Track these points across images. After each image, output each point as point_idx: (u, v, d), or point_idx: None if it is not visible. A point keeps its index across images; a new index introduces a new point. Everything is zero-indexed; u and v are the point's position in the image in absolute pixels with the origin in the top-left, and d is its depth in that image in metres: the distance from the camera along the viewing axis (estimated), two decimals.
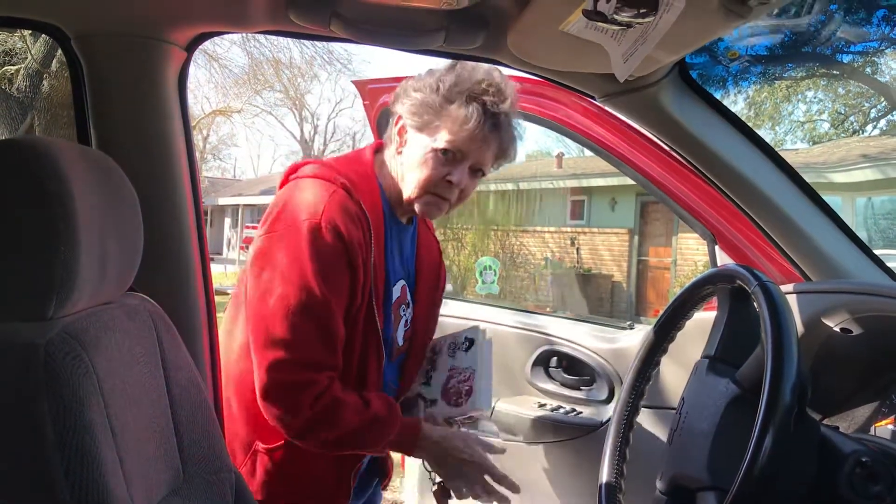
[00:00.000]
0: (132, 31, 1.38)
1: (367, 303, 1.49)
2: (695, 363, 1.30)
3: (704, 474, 1.16)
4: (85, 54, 1.40)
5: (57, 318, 0.97)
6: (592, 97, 1.56)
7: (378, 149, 1.64)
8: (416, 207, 1.55)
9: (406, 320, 1.67)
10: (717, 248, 1.92)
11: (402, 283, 1.64)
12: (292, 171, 1.58)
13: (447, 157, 1.50)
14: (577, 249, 13.12)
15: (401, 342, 1.66)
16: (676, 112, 1.51)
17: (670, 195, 1.96)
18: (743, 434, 1.08)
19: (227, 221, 28.29)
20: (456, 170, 1.51)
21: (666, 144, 1.64)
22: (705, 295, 1.36)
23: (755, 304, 1.17)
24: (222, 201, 27.93)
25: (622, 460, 1.43)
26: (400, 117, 1.56)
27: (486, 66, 1.53)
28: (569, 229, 13.57)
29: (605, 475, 1.42)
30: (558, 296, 11.82)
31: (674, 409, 1.48)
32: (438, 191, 1.52)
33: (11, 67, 8.83)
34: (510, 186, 12.82)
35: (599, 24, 1.12)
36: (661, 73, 1.43)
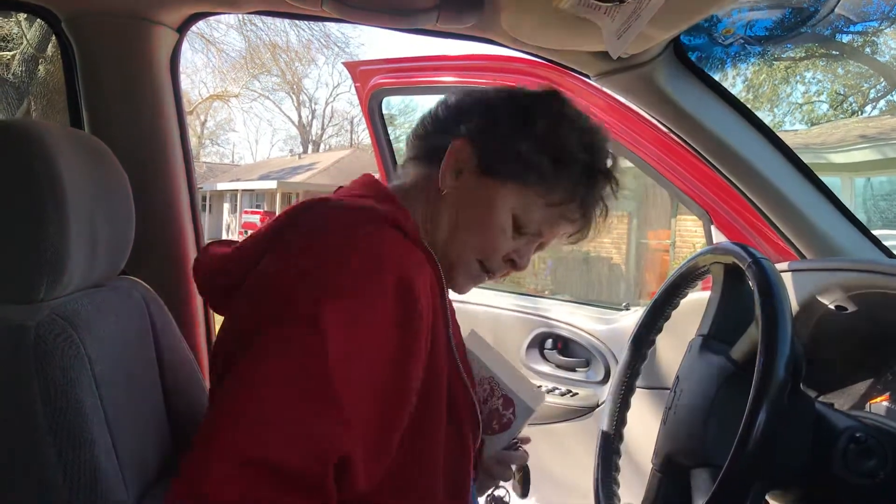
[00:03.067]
0: (123, 11, 1.38)
1: (451, 373, 1.08)
2: (689, 342, 1.30)
3: (699, 451, 1.16)
4: (76, 36, 1.39)
5: (47, 301, 0.97)
6: (587, 76, 1.55)
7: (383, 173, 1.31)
8: (455, 276, 1.14)
9: None
10: (712, 226, 1.92)
11: None
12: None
13: (525, 231, 1.12)
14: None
15: None
16: (671, 91, 1.50)
17: (665, 174, 1.96)
18: (737, 411, 1.07)
19: (226, 206, 28.26)
20: (527, 248, 1.15)
21: (661, 123, 1.63)
22: (700, 273, 1.35)
23: (749, 281, 1.17)
24: (221, 186, 27.89)
25: (618, 440, 1.43)
26: (469, 143, 1.10)
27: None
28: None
29: (600, 455, 1.42)
30: (557, 279, 11.82)
31: (665, 388, 1.48)
32: (491, 265, 1.14)
33: (7, 53, 8.79)
34: None
35: (593, 0, 1.11)
36: (656, 51, 1.42)
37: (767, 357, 1.03)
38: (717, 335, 1.25)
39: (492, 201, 1.09)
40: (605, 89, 1.63)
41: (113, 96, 1.42)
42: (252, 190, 26.74)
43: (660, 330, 1.43)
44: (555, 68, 1.63)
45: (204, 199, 25.02)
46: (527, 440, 1.35)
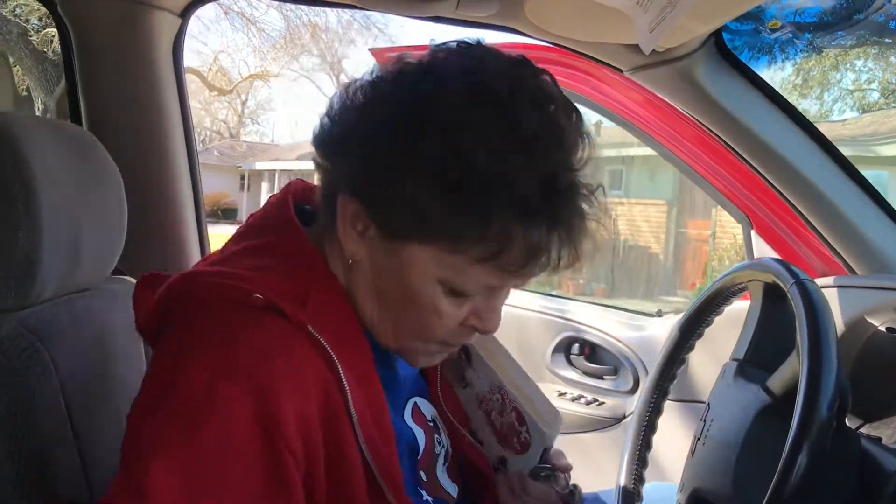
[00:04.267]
0: None
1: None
2: (722, 365, 1.19)
3: (729, 490, 1.06)
4: (72, 21, 1.32)
5: (15, 311, 0.90)
6: (619, 70, 1.43)
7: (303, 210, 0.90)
8: (412, 360, 0.89)
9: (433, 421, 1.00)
10: (752, 232, 1.80)
11: (413, 400, 0.97)
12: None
13: (467, 294, 0.81)
14: (614, 221, 12.93)
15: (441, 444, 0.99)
16: (710, 87, 1.38)
17: (704, 175, 1.83)
18: (773, 448, 0.97)
19: (265, 186, 28.43)
20: (487, 306, 0.84)
21: (698, 121, 1.51)
22: (737, 290, 1.24)
23: (791, 303, 1.06)
24: (259, 166, 28.03)
25: (641, 465, 1.32)
26: (354, 198, 0.79)
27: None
28: (605, 200, 13.34)
29: (622, 480, 1.32)
30: (593, 269, 11.65)
31: (696, 401, 1.37)
32: (447, 339, 0.86)
33: (51, 30, 8.85)
34: None
35: None
36: (695, 44, 1.30)
37: (809, 393, 0.92)
38: (753, 360, 1.14)
39: (405, 272, 0.79)
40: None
41: (111, 86, 1.35)
42: (291, 170, 26.85)
43: (691, 349, 1.32)
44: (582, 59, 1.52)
45: (243, 177, 25.14)
46: (567, 467, 1.09)
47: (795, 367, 0.99)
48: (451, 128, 0.73)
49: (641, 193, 13.23)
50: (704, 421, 1.15)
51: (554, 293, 2.41)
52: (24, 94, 9.21)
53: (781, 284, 1.08)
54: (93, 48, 1.33)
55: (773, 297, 1.16)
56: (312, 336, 0.75)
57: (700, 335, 1.31)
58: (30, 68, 8.55)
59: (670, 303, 10.70)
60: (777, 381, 1.06)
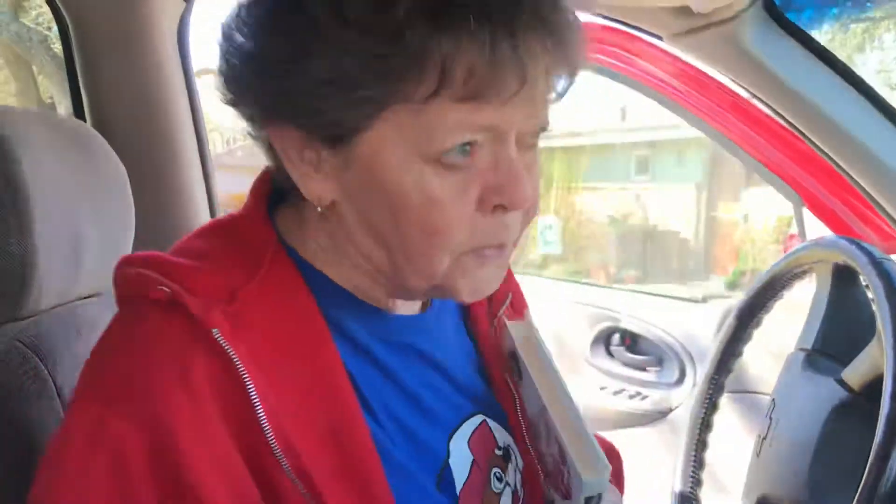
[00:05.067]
0: None
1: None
2: (787, 356, 1.08)
3: (803, 495, 0.95)
4: (69, 8, 1.23)
5: (10, 324, 0.82)
6: (659, 37, 1.32)
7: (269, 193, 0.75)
8: (449, 288, 0.69)
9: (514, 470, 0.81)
10: (804, 210, 1.68)
11: (481, 419, 0.80)
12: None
13: (450, 153, 0.63)
14: (643, 206, 12.74)
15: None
16: (759, 51, 1.27)
17: (748, 150, 1.72)
18: (855, 451, 0.87)
19: None
20: (499, 173, 0.65)
21: (744, 90, 1.40)
22: (799, 273, 1.12)
23: (865, 285, 0.95)
24: None
25: (699, 467, 1.22)
26: (286, 129, 0.66)
27: None
28: (633, 185, 13.17)
29: (678, 485, 1.22)
30: (622, 254, 11.51)
31: (756, 392, 1.26)
32: (477, 237, 0.66)
33: None
34: (570, 142, 12.48)
35: None
36: (742, 4, 1.19)
37: None
38: (823, 350, 1.03)
39: (376, 172, 0.64)
40: (678, 52, 1.40)
41: (112, 76, 1.26)
42: None
43: (749, 339, 1.21)
44: (616, 31, 1.41)
45: None
46: None
47: (876, 357, 0.89)
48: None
49: (669, 177, 13.03)
50: (770, 418, 1.04)
51: (585, 281, 2.31)
52: (49, 100, 9.26)
53: (854, 265, 0.97)
54: (92, 37, 1.25)
55: (843, 280, 1.05)
56: (220, 345, 0.61)
57: (758, 324, 1.20)
58: (51, 74, 8.58)
59: (704, 287, 10.54)
60: (854, 374, 0.95)
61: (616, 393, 1.94)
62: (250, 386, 0.61)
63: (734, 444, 1.35)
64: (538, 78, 0.62)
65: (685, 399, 1.84)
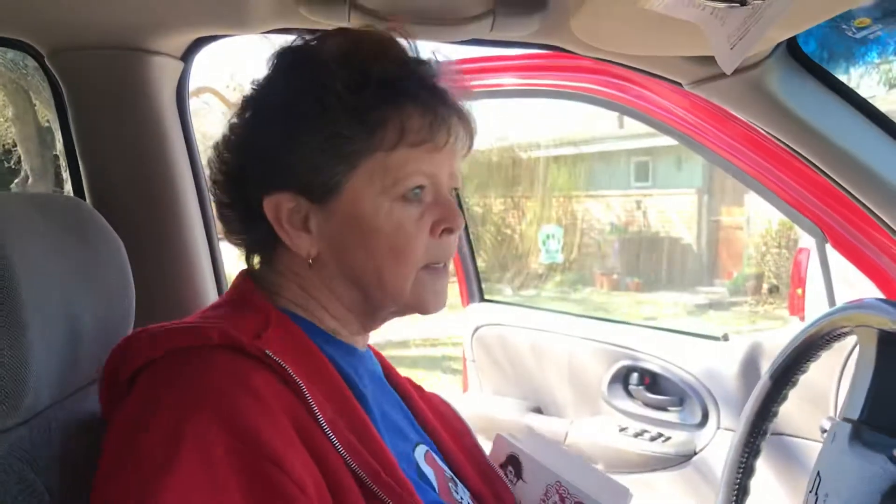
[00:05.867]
0: (115, 43, 1.16)
1: None
2: (830, 426, 1.02)
3: None
4: (62, 73, 1.18)
5: (6, 431, 0.76)
6: (678, 84, 1.27)
7: (251, 273, 0.92)
8: (413, 300, 0.87)
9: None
10: (827, 247, 1.62)
11: (425, 448, 0.93)
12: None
13: (403, 187, 0.84)
14: (644, 213, 12.65)
15: None
16: (784, 96, 1.22)
17: (768, 185, 1.66)
18: None
19: None
20: (439, 197, 0.87)
21: (769, 133, 1.34)
22: (838, 335, 1.07)
23: None
24: None
25: (742, 494, 1.16)
26: (279, 197, 0.84)
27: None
28: (634, 192, 13.07)
29: None
30: (625, 262, 11.43)
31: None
32: (433, 253, 0.87)
33: None
34: (570, 150, 12.40)
35: None
36: (766, 51, 1.14)
37: None
38: (872, 423, 0.97)
39: (356, 213, 0.84)
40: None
41: (110, 139, 1.21)
42: None
43: (785, 399, 1.15)
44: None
45: None
46: None
47: None
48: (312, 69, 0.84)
49: (670, 184, 12.97)
50: (816, 495, 0.98)
51: (599, 316, 2.24)
52: (46, 123, 9.24)
53: None
54: (87, 102, 1.19)
55: (888, 344, 0.99)
56: (271, 363, 0.75)
57: (794, 384, 1.14)
58: (48, 100, 8.55)
59: (708, 294, 10.46)
60: None
61: (637, 435, 1.88)
62: (306, 392, 0.75)
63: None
64: (459, 134, 0.87)
65: (709, 442, 1.78)
